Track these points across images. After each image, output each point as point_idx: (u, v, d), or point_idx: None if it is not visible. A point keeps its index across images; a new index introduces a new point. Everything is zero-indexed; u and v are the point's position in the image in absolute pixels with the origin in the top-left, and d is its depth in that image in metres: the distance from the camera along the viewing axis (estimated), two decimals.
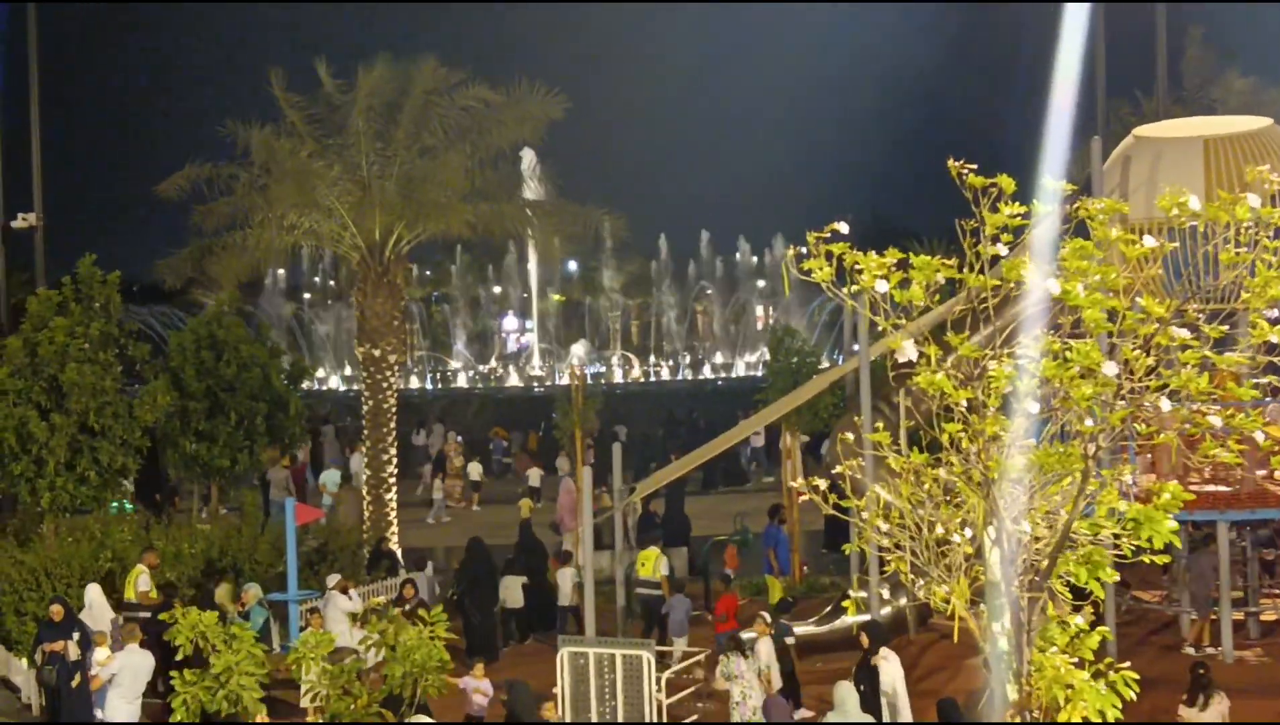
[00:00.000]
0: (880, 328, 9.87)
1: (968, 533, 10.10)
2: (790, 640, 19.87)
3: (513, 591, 24.84)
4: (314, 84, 29.88)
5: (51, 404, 23.55)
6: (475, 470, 40.96)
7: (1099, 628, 10.43)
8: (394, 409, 30.00)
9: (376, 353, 29.65)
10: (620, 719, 18.57)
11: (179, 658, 16.23)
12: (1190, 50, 41.17)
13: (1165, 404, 9.23)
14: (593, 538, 22.98)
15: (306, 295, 77.13)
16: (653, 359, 72.34)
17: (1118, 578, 10.58)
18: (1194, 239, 14.18)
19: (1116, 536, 9.82)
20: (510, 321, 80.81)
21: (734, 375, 68.44)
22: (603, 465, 25.02)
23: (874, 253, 9.72)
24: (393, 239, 29.32)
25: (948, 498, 10.23)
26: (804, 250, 9.96)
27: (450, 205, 28.97)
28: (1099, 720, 9.97)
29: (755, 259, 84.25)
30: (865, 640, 18.28)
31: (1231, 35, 43.18)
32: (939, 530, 10.24)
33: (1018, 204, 9.59)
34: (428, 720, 15.80)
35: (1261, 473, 20.77)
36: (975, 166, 9.57)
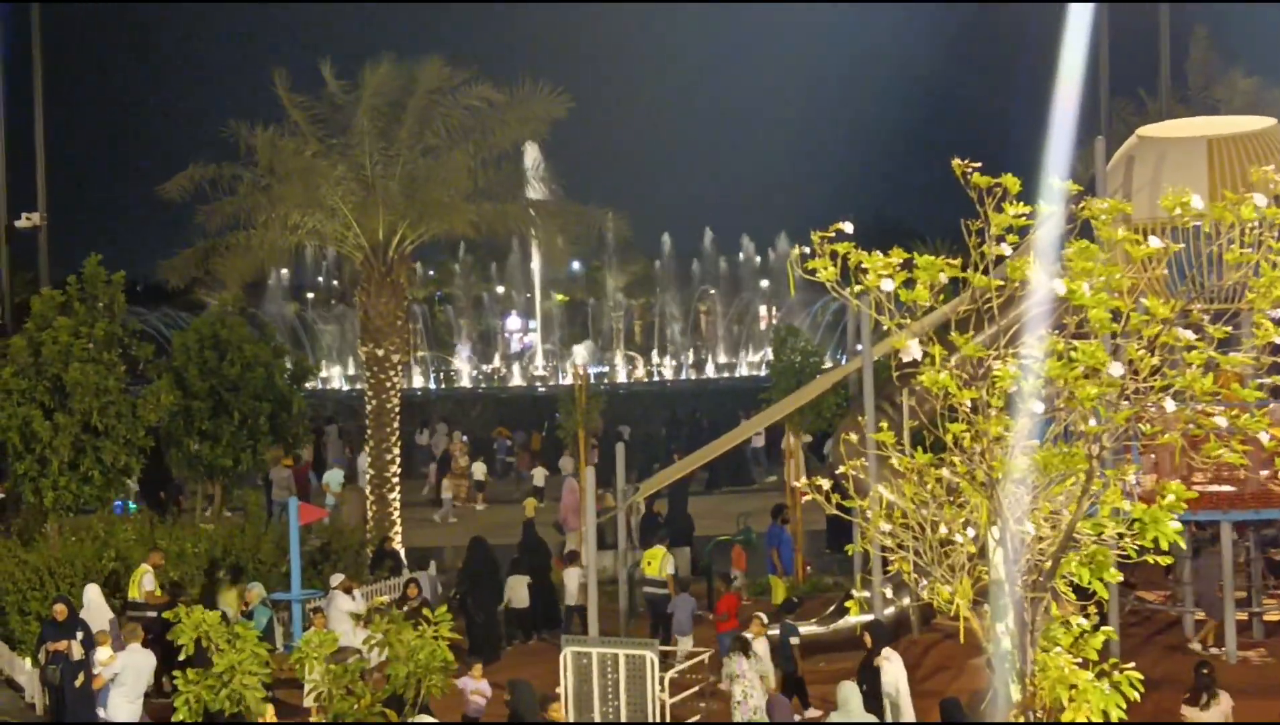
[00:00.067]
0: (885, 328, 9.86)
1: (970, 533, 10.09)
2: (795, 640, 19.87)
3: (518, 591, 24.84)
4: (318, 84, 29.90)
5: (55, 403, 23.57)
6: (479, 470, 41.03)
7: (1103, 628, 10.43)
8: (397, 409, 30.00)
9: (380, 352, 29.66)
10: (623, 719, 18.57)
11: (182, 657, 16.23)
12: (1194, 50, 41.10)
13: (1170, 404, 9.22)
14: (596, 537, 22.98)
15: (310, 295, 77.18)
16: (656, 359, 72.34)
17: (1121, 578, 10.57)
18: (1198, 239, 14.18)
19: (1120, 537, 9.82)
20: (513, 321, 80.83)
21: (737, 375, 68.46)
22: (606, 465, 25.01)
23: (878, 252, 9.71)
24: (396, 238, 29.33)
25: (951, 498, 10.23)
26: (808, 250, 9.96)
27: (454, 205, 28.98)
28: (1102, 720, 9.96)
29: (759, 258, 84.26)
30: (868, 640, 18.28)
31: (1236, 35, 43.13)
32: (942, 530, 10.23)
33: (1022, 204, 9.58)
34: (430, 720, 15.80)
35: (1265, 473, 20.76)
36: (980, 165, 9.56)
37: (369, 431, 30.24)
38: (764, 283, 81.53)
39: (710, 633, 22.21)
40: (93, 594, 21.50)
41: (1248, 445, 9.60)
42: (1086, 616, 10.37)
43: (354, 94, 29.60)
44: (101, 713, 18.81)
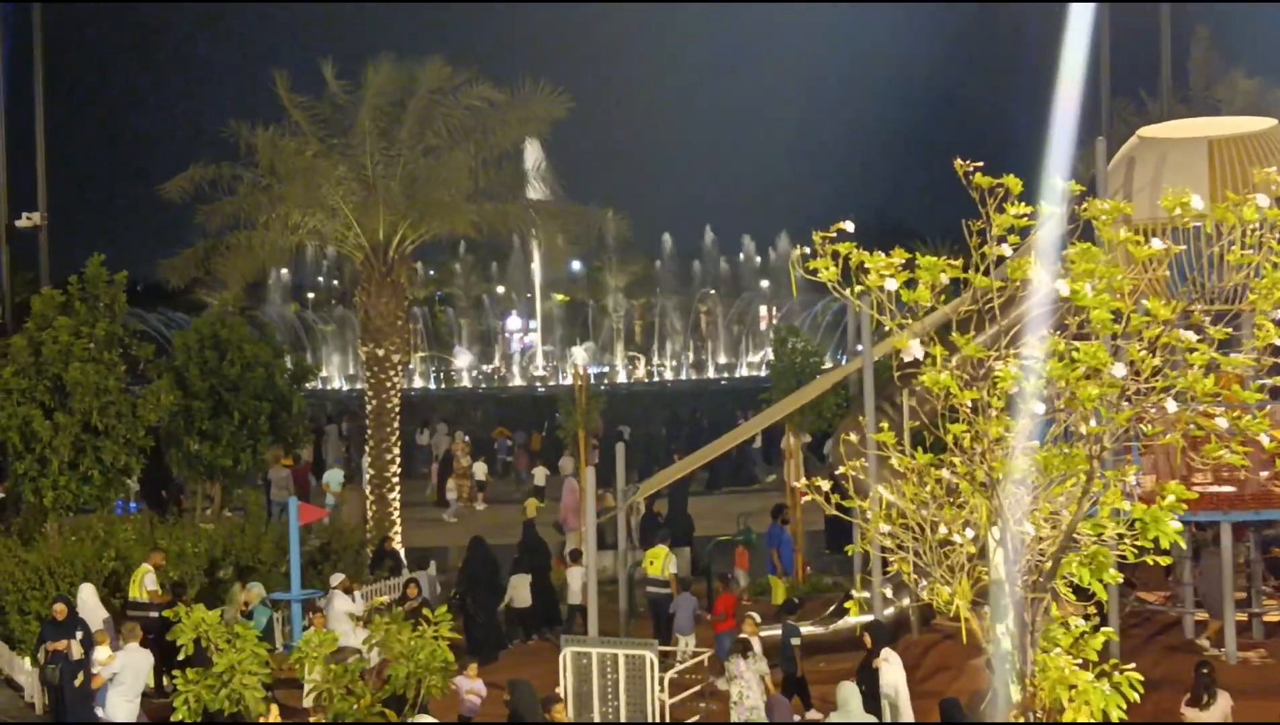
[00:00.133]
0: (887, 328, 9.86)
1: (970, 534, 10.08)
2: (796, 641, 19.86)
3: (520, 590, 24.86)
4: (318, 84, 29.91)
5: (55, 403, 23.57)
6: (480, 470, 41.10)
7: (1103, 629, 10.43)
8: (397, 409, 30.00)
9: (380, 352, 29.65)
10: (623, 719, 18.56)
11: (181, 657, 16.23)
12: (1195, 50, 41.08)
13: (1171, 405, 9.22)
14: (596, 537, 22.97)
15: (310, 295, 77.22)
16: (656, 359, 72.38)
17: (1121, 579, 10.56)
18: (1198, 240, 14.17)
19: (1120, 538, 9.82)
20: (514, 321, 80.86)
21: (737, 375, 68.50)
22: (607, 465, 25.03)
23: (880, 253, 9.71)
24: (397, 238, 29.33)
25: (950, 498, 10.22)
26: (808, 250, 9.95)
27: (455, 205, 28.99)
28: (1103, 721, 9.96)
29: (759, 259, 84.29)
30: (868, 641, 18.27)
31: (1237, 35, 43.12)
32: (942, 531, 10.23)
33: (1024, 204, 9.58)
34: (430, 720, 15.80)
35: (1265, 474, 20.75)
36: (981, 165, 9.56)
37: (369, 431, 30.24)
38: (764, 283, 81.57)
39: (710, 633, 22.22)
40: (87, 594, 21.47)
41: (1248, 446, 9.60)
42: (1087, 617, 10.37)
43: (355, 94, 29.60)
44: (100, 712, 18.80)
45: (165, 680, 20.72)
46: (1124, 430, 9.52)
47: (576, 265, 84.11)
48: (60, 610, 20.02)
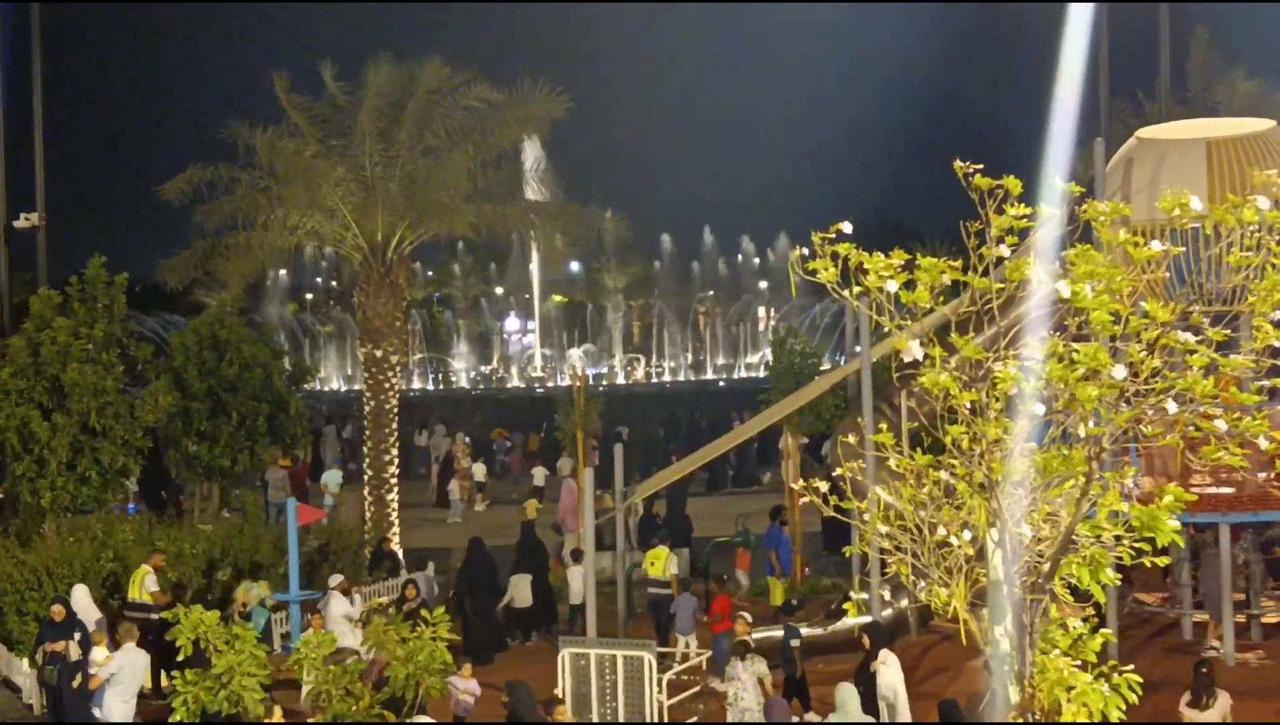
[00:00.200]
0: (886, 329, 9.85)
1: (967, 535, 10.08)
2: (796, 643, 19.86)
3: (521, 590, 24.87)
4: (317, 85, 29.90)
5: (53, 404, 23.56)
6: (479, 471, 41.16)
7: (1101, 630, 10.42)
8: (395, 410, 30.00)
9: (378, 353, 29.65)
10: (621, 720, 18.55)
11: (180, 658, 16.22)
12: (1195, 51, 41.10)
13: (1172, 406, 9.21)
14: (594, 538, 22.98)
15: (309, 296, 77.21)
16: (654, 360, 72.42)
17: (1119, 580, 10.56)
18: (1196, 242, 14.17)
19: (1118, 539, 9.81)
20: (512, 322, 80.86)
21: (736, 376, 68.54)
22: (607, 466, 25.04)
23: (879, 254, 9.71)
24: (395, 239, 29.32)
25: (949, 499, 10.22)
26: (806, 251, 9.95)
27: (453, 206, 28.98)
28: (1101, 722, 9.95)
29: (758, 259, 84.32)
30: (867, 642, 18.27)
31: (1236, 36, 43.14)
32: (940, 532, 10.23)
33: (1023, 205, 9.57)
34: (429, 721, 15.79)
35: (1263, 475, 20.74)
36: (981, 166, 9.55)
37: (367, 432, 30.23)
38: (763, 284, 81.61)
39: (707, 634, 22.23)
40: (80, 595, 21.43)
41: (1246, 449, 9.60)
42: (1085, 619, 10.36)
43: (354, 95, 29.59)
44: (97, 712, 18.79)
45: (165, 680, 20.70)
46: (1123, 432, 9.52)
47: (575, 266, 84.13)
48: (58, 611, 20.00)
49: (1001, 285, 9.70)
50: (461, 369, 71.44)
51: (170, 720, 15.22)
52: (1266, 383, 9.87)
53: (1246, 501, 20.81)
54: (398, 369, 30.33)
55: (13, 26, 38.83)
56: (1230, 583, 20.94)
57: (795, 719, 18.41)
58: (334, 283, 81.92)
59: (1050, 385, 9.43)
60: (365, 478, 30.38)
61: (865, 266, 9.72)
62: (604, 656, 18.75)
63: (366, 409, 30.13)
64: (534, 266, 71.49)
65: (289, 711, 18.46)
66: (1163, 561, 10.03)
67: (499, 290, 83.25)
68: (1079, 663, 10.14)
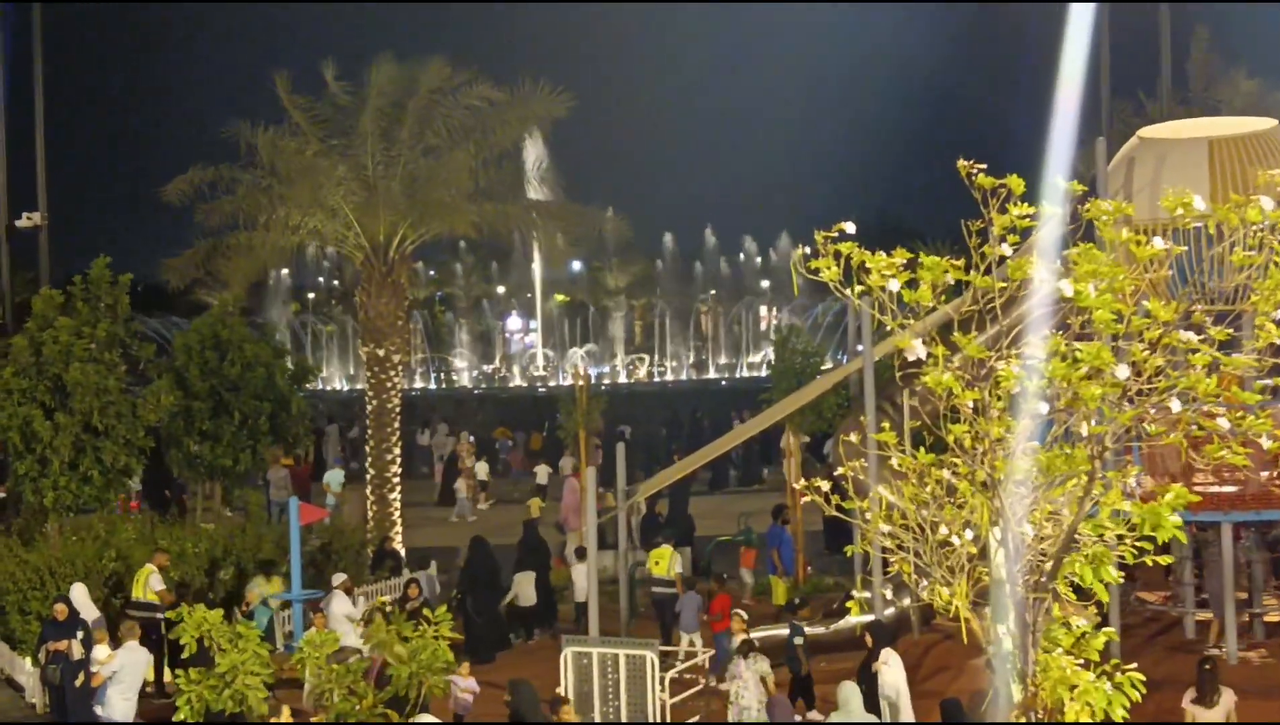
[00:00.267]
0: (889, 328, 9.86)
1: (969, 534, 10.09)
2: (799, 641, 19.88)
3: (525, 588, 24.90)
4: (318, 85, 29.93)
5: (56, 403, 23.57)
6: (482, 469, 41.23)
7: (1104, 629, 10.43)
8: (398, 409, 30.01)
9: (380, 353, 29.67)
10: (624, 719, 18.57)
11: (184, 656, 16.25)
12: (1195, 51, 41.10)
13: (1175, 405, 9.22)
14: (596, 537, 22.98)
15: (311, 295, 77.23)
16: (656, 359, 72.43)
17: (1121, 578, 10.57)
18: (1198, 241, 14.18)
19: (1120, 538, 9.82)
20: (514, 321, 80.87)
21: (737, 375, 68.56)
22: (610, 465, 25.09)
23: (882, 253, 9.72)
24: (397, 239, 29.34)
25: (950, 499, 10.23)
26: (808, 250, 9.96)
27: (455, 205, 29.00)
28: (1104, 720, 9.96)
29: (759, 259, 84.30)
30: (869, 641, 18.29)
31: (1238, 36, 43.15)
32: (942, 531, 10.23)
33: (1026, 205, 9.58)
34: (432, 720, 15.80)
35: (1265, 474, 20.76)
36: (985, 166, 9.57)
37: (369, 432, 30.25)
38: (764, 283, 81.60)
39: (706, 633, 22.27)
40: (78, 593, 21.45)
41: (1249, 448, 9.61)
42: (1095, 619, 10.37)
43: (355, 94, 29.61)
44: (99, 710, 18.83)
45: (169, 675, 20.72)
46: (1126, 430, 9.53)
47: (577, 265, 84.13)
48: (61, 610, 20.03)
49: (1004, 284, 9.71)
50: (463, 368, 71.46)
51: (174, 719, 15.24)
52: (1269, 381, 9.88)
53: (1249, 500, 20.82)
54: (400, 368, 30.36)
55: (13, 27, 38.88)
56: (1233, 581, 20.95)
57: (798, 718, 18.43)
58: (336, 282, 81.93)
59: (1053, 384, 9.44)
60: (367, 477, 30.41)
61: (867, 265, 9.73)
62: (606, 655, 18.76)
63: (369, 408, 30.15)
64: (536, 266, 71.51)
65: (293, 711, 18.50)
66: (1165, 560, 10.04)
67: (501, 289, 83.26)
68: (1082, 661, 10.15)
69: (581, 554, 24.83)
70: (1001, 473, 9.81)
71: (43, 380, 23.53)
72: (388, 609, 19.60)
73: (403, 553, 28.77)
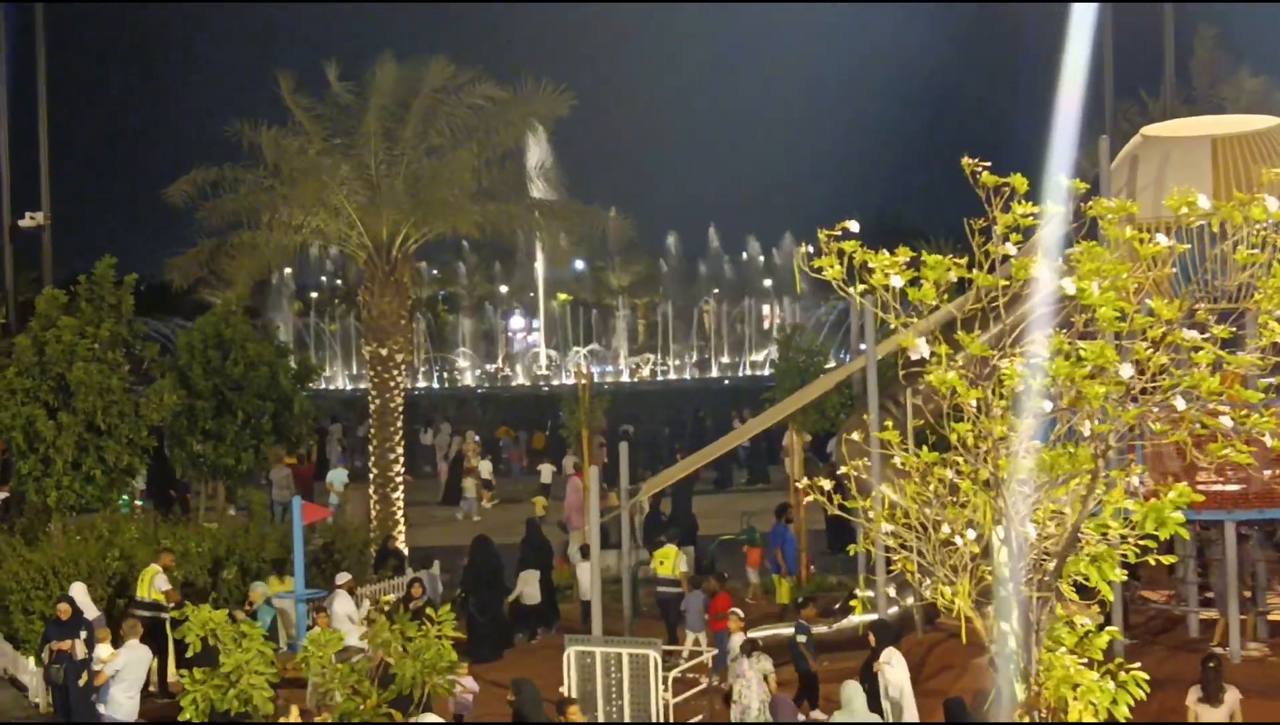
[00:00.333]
0: (892, 327, 9.86)
1: (972, 534, 10.09)
2: (802, 639, 19.89)
3: (529, 586, 24.92)
4: (318, 85, 29.93)
5: (59, 403, 23.58)
6: (485, 468, 41.24)
7: (1108, 628, 10.43)
8: (401, 408, 30.02)
9: (384, 352, 29.67)
10: (627, 718, 18.56)
11: (189, 655, 16.25)
12: (1199, 50, 41.06)
13: (1180, 403, 9.22)
14: (600, 536, 22.99)
15: (314, 295, 77.27)
16: (659, 358, 72.48)
17: (1125, 577, 10.57)
18: (1201, 239, 14.19)
19: (1123, 537, 9.82)
20: (517, 321, 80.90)
21: (740, 375, 68.58)
22: (614, 464, 25.09)
23: (884, 251, 9.72)
24: (400, 238, 29.35)
25: (953, 497, 10.23)
26: (811, 249, 9.97)
27: (458, 204, 29.00)
28: (1108, 719, 9.96)
29: (762, 258, 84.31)
30: (873, 640, 18.28)
31: (1242, 34, 43.10)
32: (945, 530, 10.23)
33: (1029, 204, 9.58)
34: (436, 719, 15.80)
35: (1269, 473, 20.72)
36: (989, 165, 9.58)
37: (373, 431, 30.26)
38: (767, 282, 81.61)
39: (706, 632, 22.29)
40: (78, 592, 21.47)
41: (1252, 446, 9.60)
42: (1091, 618, 10.37)
43: (358, 94, 29.62)
44: (102, 708, 18.85)
45: (173, 670, 20.72)
46: (1129, 429, 9.53)
47: (580, 265, 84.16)
48: (64, 610, 20.03)
49: (1007, 282, 9.72)
50: (466, 367, 71.50)
51: (179, 719, 15.23)
52: (1273, 380, 9.88)
53: (1253, 499, 20.79)
54: (403, 368, 30.37)
55: (14, 27, 38.87)
56: (1237, 580, 20.93)
57: (801, 717, 18.43)
58: (339, 282, 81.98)
59: (1056, 383, 9.44)
60: (370, 476, 30.43)
61: (870, 264, 9.73)
62: (609, 654, 18.76)
63: (372, 408, 30.15)
64: (538, 265, 71.53)
65: (301, 711, 18.51)
66: (1168, 560, 10.04)
67: (504, 289, 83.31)
68: (1085, 660, 10.15)
69: (587, 553, 24.85)
70: (1004, 471, 9.81)
71: (46, 380, 23.54)
72: (388, 609, 19.60)
73: (406, 552, 28.77)
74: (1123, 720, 10.01)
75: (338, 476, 37.53)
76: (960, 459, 10.02)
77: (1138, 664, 10.22)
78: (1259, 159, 21.36)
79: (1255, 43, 42.02)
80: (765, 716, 17.93)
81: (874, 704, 17.42)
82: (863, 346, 23.35)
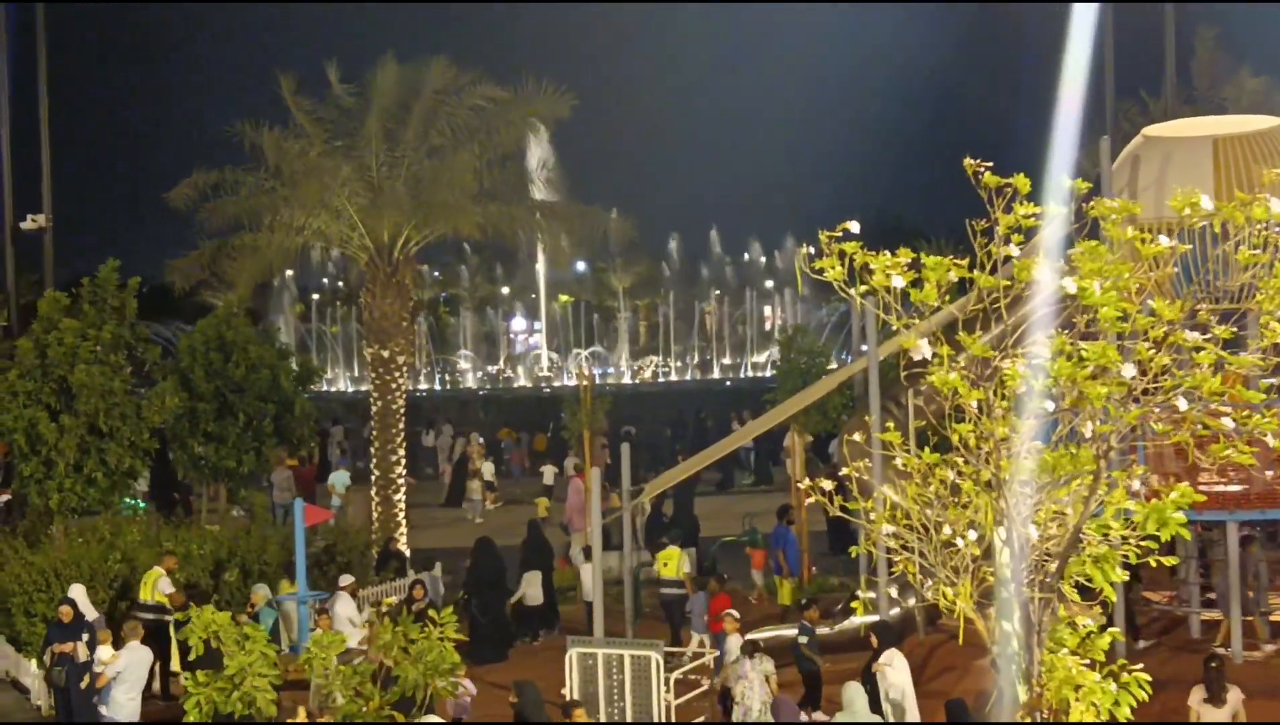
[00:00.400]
0: (894, 328, 9.86)
1: (973, 535, 10.09)
2: (804, 640, 19.88)
3: (532, 588, 24.91)
4: (318, 86, 29.92)
5: (61, 405, 23.59)
6: (488, 470, 41.25)
7: (1110, 629, 10.43)
8: (402, 410, 30.02)
9: (385, 354, 29.67)
10: (629, 719, 18.56)
11: (192, 657, 16.25)
12: (1200, 50, 41.02)
13: (1182, 403, 9.22)
14: (602, 538, 22.98)
15: (315, 297, 77.29)
16: (661, 360, 72.51)
17: (1126, 577, 10.57)
18: (1203, 240, 14.18)
19: (1125, 538, 9.82)
20: (518, 322, 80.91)
21: (741, 376, 68.58)
22: (616, 465, 25.11)
23: (886, 252, 9.73)
24: (401, 240, 29.35)
25: (955, 498, 10.23)
26: (812, 250, 9.97)
27: (459, 206, 28.99)
28: (1110, 720, 9.96)
29: (763, 259, 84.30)
30: (874, 641, 18.28)
31: (1243, 34, 43.05)
32: (946, 531, 10.23)
33: (1031, 204, 9.59)
34: (438, 721, 15.80)
35: (1270, 473, 20.71)
36: (991, 165, 9.58)
37: (374, 432, 30.25)
38: (768, 283, 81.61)
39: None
40: (77, 594, 21.48)
41: (1254, 446, 9.60)
42: (1093, 618, 10.37)
43: (360, 96, 29.62)
44: (103, 710, 18.86)
45: (176, 665, 20.71)
46: (1131, 430, 9.53)
47: (581, 266, 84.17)
48: (66, 612, 20.04)
49: (1009, 283, 9.72)
50: (468, 369, 71.51)
51: (183, 721, 15.23)
52: (1274, 380, 9.88)
53: (1255, 499, 20.78)
54: (404, 369, 30.36)
55: (15, 28, 38.87)
56: (1239, 581, 20.92)
57: (804, 718, 18.42)
58: (341, 284, 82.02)
59: (1058, 383, 9.44)
60: (372, 478, 30.43)
61: (871, 266, 9.74)
62: (611, 656, 18.75)
63: (373, 409, 30.15)
64: (540, 267, 71.51)
65: (308, 713, 18.51)
66: (1170, 561, 10.03)
67: (505, 290, 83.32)
68: (1087, 661, 10.15)
69: (588, 554, 24.85)
70: (1006, 472, 9.81)
71: (48, 382, 23.56)
72: (388, 611, 19.59)
73: (407, 554, 28.77)
74: (1124, 721, 10.00)
75: (339, 478, 37.53)
76: (962, 460, 10.02)
77: (1140, 665, 10.22)
78: (1260, 159, 21.35)
79: (1256, 43, 41.97)
80: (767, 717, 17.92)
81: (875, 705, 17.41)
82: (864, 347, 23.35)
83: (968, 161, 9.58)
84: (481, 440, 43.45)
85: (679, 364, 72.11)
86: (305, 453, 36.76)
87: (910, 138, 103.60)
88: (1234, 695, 16.37)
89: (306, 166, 28.89)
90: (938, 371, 9.67)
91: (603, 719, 18.62)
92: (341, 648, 16.05)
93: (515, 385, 68.19)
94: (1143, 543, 9.69)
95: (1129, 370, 9.18)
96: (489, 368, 72.83)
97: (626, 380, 68.53)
